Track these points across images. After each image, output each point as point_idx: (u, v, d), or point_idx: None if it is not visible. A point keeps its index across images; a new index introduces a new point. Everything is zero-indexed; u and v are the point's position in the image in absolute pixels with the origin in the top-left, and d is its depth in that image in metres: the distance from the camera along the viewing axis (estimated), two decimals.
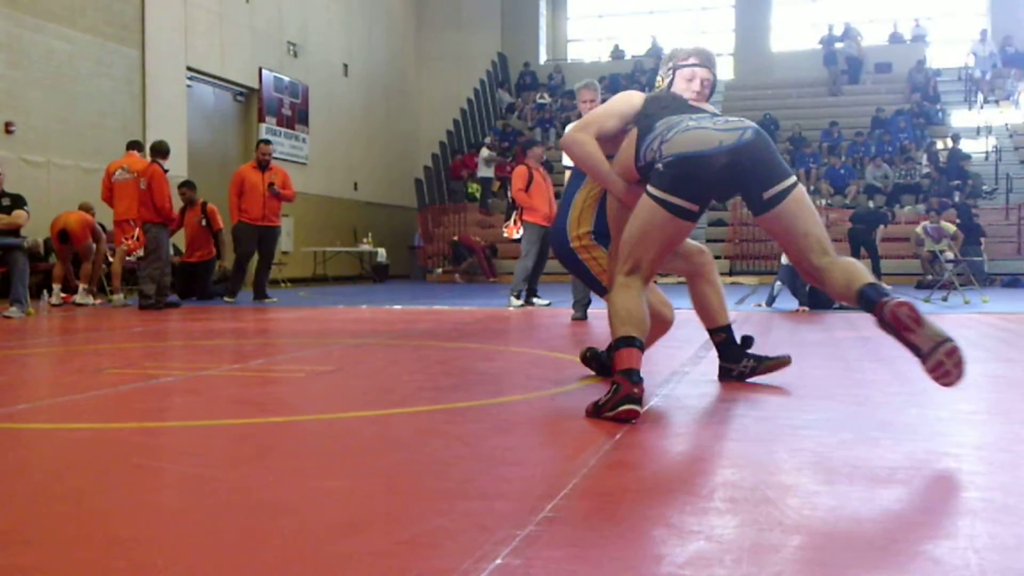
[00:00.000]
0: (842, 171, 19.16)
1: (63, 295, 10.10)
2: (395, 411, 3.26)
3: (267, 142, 11.08)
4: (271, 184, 10.60)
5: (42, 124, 12.11)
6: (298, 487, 2.20)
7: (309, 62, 18.80)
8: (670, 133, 3.16)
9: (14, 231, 8.63)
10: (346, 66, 20.33)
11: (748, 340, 3.95)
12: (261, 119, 17.09)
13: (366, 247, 18.87)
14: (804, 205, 3.16)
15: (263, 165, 10.67)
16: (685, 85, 3.53)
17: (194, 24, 15.36)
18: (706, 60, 3.58)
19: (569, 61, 26.08)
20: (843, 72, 22.77)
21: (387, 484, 2.22)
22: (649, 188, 3.15)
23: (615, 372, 2.96)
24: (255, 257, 10.92)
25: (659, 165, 3.13)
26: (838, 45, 22.87)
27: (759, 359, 3.90)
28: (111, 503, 2.06)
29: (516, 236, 9.41)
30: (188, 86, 15.32)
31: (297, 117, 18.29)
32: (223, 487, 2.23)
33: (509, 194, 10.77)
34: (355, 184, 20.45)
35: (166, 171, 9.81)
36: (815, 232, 3.14)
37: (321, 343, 5.64)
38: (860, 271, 3.05)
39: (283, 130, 17.79)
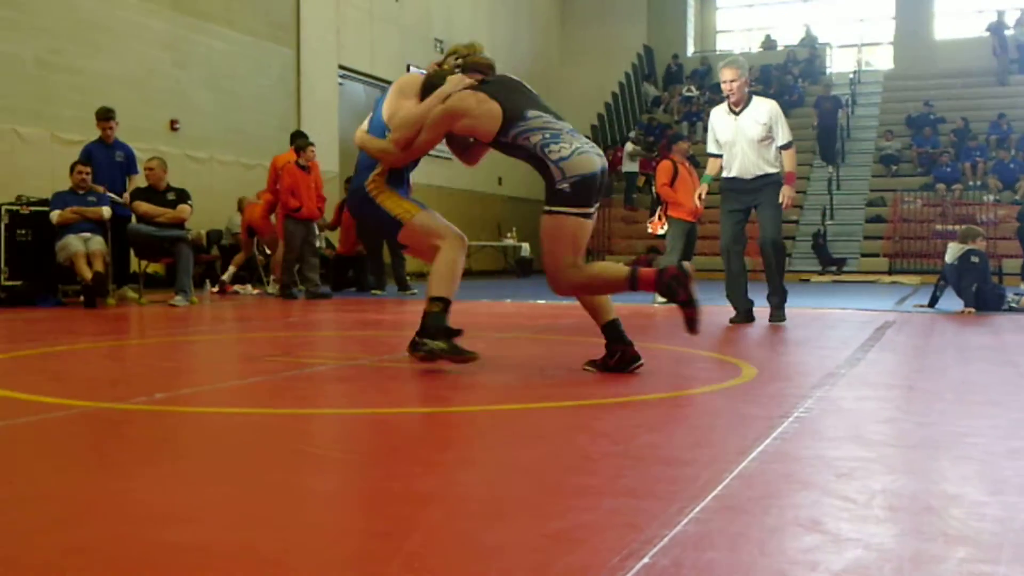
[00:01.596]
0: (1011, 165, 18.12)
1: (228, 284, 10.64)
2: (540, 405, 3.26)
3: None
4: None
5: (204, 122, 12.71)
6: (445, 477, 2.22)
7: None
8: (565, 150, 3.88)
9: (179, 224, 9.10)
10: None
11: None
12: None
13: (510, 241, 19.03)
14: None
15: None
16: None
17: (346, 23, 15.82)
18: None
19: (718, 52, 25.59)
20: (1012, 61, 21.49)
21: (533, 478, 2.22)
22: (562, 208, 3.92)
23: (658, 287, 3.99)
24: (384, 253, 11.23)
25: (566, 186, 3.88)
26: (1008, 32, 21.60)
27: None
28: (268, 486, 2.13)
29: (661, 232, 9.29)
30: (340, 84, 15.80)
31: None
32: (374, 474, 2.29)
33: (654, 189, 10.65)
34: (499, 179, 20.65)
35: (300, 165, 10.18)
36: None
37: (466, 336, 5.71)
38: None
39: None
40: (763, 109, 6.80)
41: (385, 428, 2.92)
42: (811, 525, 1.83)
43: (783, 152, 6.82)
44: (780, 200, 6.79)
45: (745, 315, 6.90)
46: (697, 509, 1.90)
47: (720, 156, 7.00)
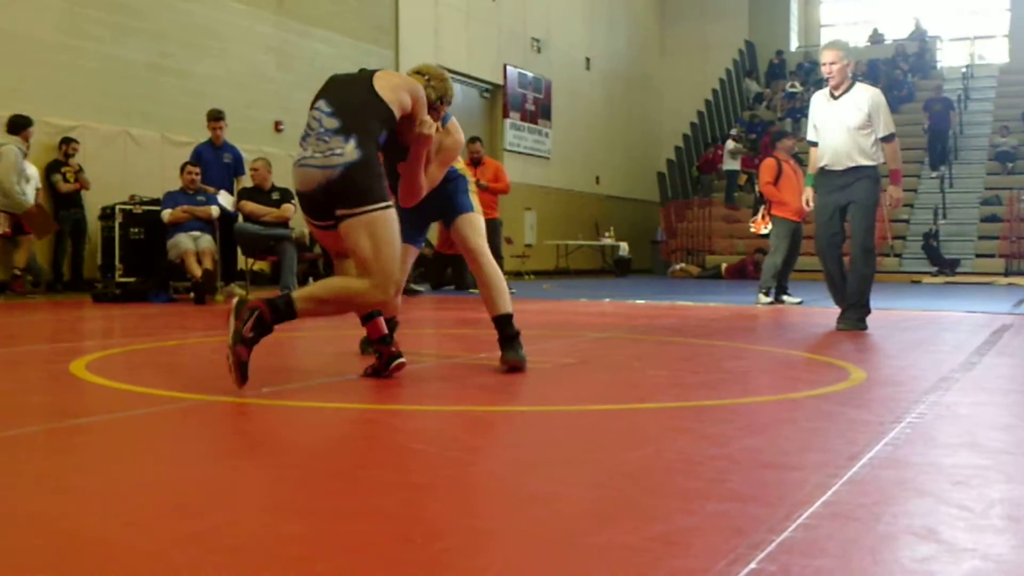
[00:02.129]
0: None
1: None
2: (641, 406, 3.23)
3: (474, 140, 11.37)
4: (477, 179, 10.98)
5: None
6: (548, 477, 2.22)
7: (552, 57, 19.09)
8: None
9: (283, 223, 9.33)
10: (588, 60, 20.49)
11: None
12: (506, 114, 17.54)
13: (608, 241, 18.94)
14: None
15: (475, 162, 11.05)
16: None
17: (443, 23, 15.98)
18: None
19: (822, 47, 25.01)
20: None
21: (635, 479, 2.20)
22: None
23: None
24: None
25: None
26: None
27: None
28: (376, 480, 2.17)
29: (764, 231, 9.13)
30: None
31: (540, 112, 18.63)
32: (477, 471, 2.30)
33: (756, 188, 10.47)
34: (597, 178, 20.57)
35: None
36: None
37: (565, 335, 5.71)
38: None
39: (527, 125, 18.17)
40: (865, 95, 6.26)
41: (485, 426, 2.93)
42: (926, 534, 1.77)
43: (885, 145, 6.20)
44: (885, 201, 6.41)
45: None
46: (806, 515, 1.86)
47: (817, 144, 6.47)
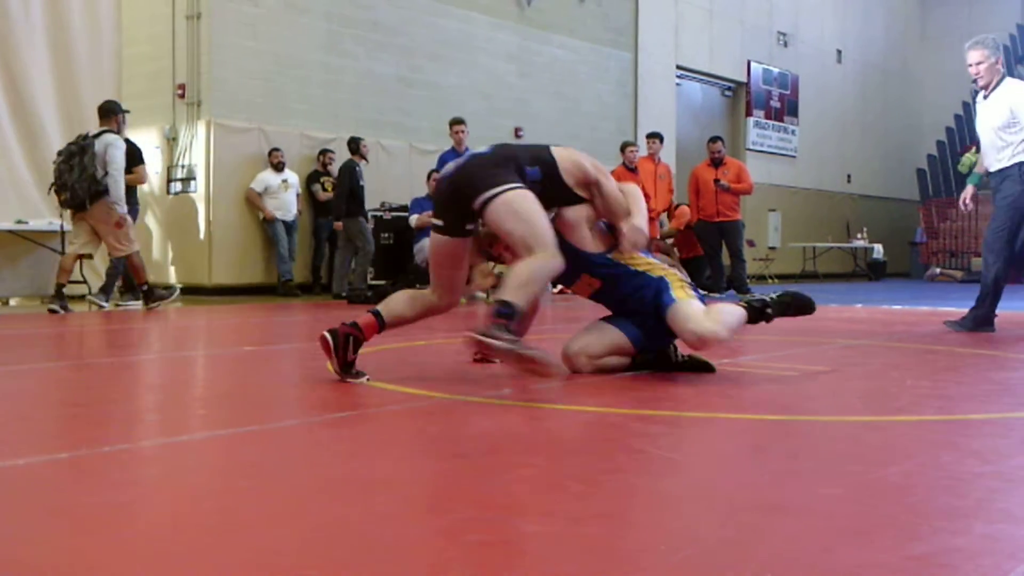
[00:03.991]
0: None
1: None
2: (898, 418, 3.03)
3: (715, 139, 11.16)
4: (717, 179, 10.77)
5: (545, 129, 13.27)
6: (800, 489, 2.11)
7: (799, 51, 18.41)
8: None
9: None
10: (839, 52, 19.59)
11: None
12: (749, 113, 17.10)
13: (860, 243, 18.02)
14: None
15: (716, 162, 10.87)
16: None
17: (684, 23, 15.79)
18: None
19: None
20: None
21: (893, 495, 2.05)
22: None
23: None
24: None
25: None
26: None
27: None
28: (615, 485, 2.15)
29: None
30: (677, 84, 15.79)
31: (786, 108, 18.02)
32: (721, 480, 2.23)
33: None
34: (848, 176, 19.64)
35: (628, 167, 10.59)
36: None
37: (814, 342, 5.46)
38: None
39: (771, 123, 17.63)
40: (1010, 91, 5.94)
41: (729, 433, 2.84)
42: None
43: None
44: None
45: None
46: None
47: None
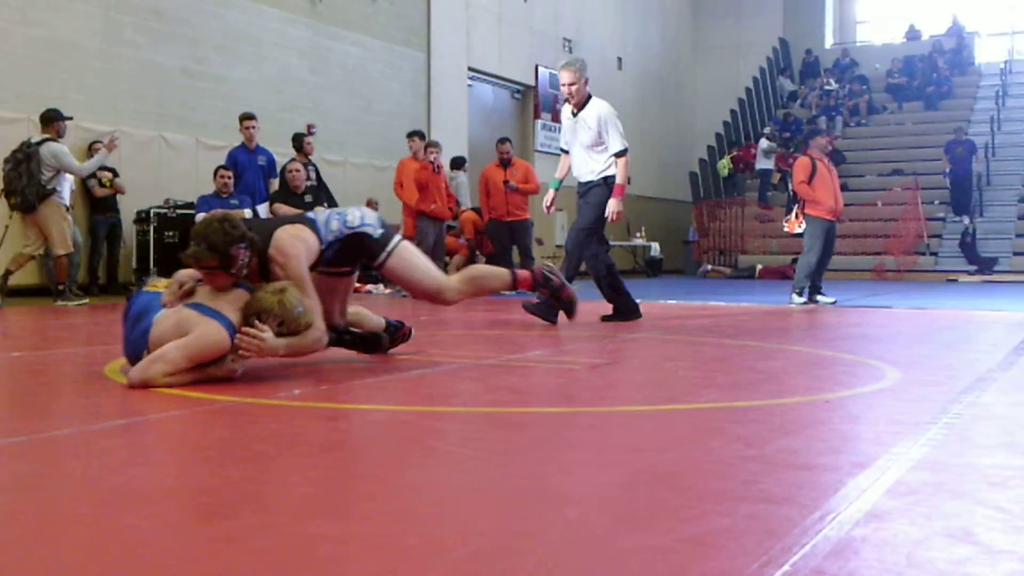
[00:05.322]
0: None
1: (361, 285, 10.94)
2: (672, 407, 3.21)
3: (504, 140, 11.33)
4: (506, 180, 10.95)
5: (339, 126, 13.09)
6: (579, 479, 2.21)
7: (583, 57, 19.00)
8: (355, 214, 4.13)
9: None
10: (620, 59, 20.42)
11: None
12: (537, 115, 17.53)
13: (639, 241, 18.86)
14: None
15: (504, 163, 11.00)
16: None
17: (475, 25, 15.99)
18: None
19: (858, 44, 24.72)
20: None
21: (667, 481, 2.19)
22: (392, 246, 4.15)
23: None
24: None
25: (379, 231, 4.11)
26: None
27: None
28: (405, 482, 2.17)
29: (798, 231, 9.05)
30: (469, 85, 15.98)
31: None
32: (508, 473, 2.29)
33: (790, 187, 10.37)
34: (628, 178, 20.48)
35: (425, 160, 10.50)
36: None
37: (595, 336, 5.70)
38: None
39: (557, 125, 18.13)
40: (596, 109, 6.76)
41: (516, 427, 2.93)
42: (962, 536, 1.75)
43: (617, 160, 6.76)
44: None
45: None
46: (839, 517, 1.84)
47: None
